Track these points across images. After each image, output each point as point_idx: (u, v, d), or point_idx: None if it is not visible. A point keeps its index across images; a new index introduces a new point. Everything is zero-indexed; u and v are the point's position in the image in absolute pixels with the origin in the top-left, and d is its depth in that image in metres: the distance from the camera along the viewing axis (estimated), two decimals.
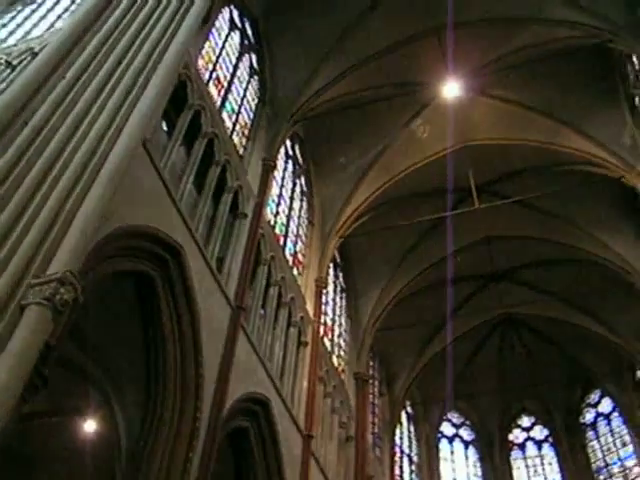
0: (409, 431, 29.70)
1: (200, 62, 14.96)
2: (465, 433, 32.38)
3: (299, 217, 21.17)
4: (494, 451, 31.57)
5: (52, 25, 14.51)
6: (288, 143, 21.11)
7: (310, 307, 19.65)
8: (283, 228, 19.39)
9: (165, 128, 12.90)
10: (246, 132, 17.69)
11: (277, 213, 19.08)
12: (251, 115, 18.30)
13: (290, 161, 21.37)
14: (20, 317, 6.91)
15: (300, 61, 19.59)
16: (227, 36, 17.38)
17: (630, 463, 28.62)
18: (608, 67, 20.29)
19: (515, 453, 32.04)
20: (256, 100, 18.95)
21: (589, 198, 22.64)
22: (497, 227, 24.41)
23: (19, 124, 8.14)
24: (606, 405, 30.63)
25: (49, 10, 15.64)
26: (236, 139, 16.59)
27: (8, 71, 11.61)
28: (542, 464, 31.49)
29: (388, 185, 22.65)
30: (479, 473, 31.19)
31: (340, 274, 24.93)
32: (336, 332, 22.99)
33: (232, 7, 17.95)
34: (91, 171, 8.29)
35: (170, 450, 10.69)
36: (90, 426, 14.28)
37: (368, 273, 25.06)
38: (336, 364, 21.77)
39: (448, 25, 18.97)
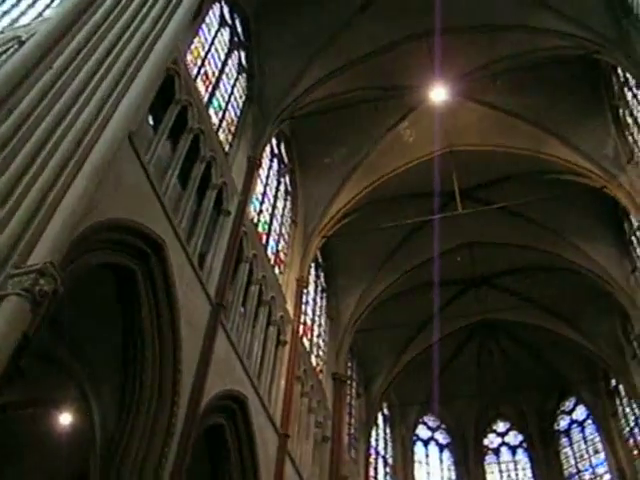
0: (385, 433, 29.77)
1: (189, 57, 14.90)
2: (441, 436, 32.52)
3: (282, 216, 21.16)
4: (469, 455, 31.75)
5: (40, 14, 14.37)
6: (274, 141, 21.13)
7: (290, 306, 19.66)
8: (266, 226, 19.37)
9: (151, 122, 12.84)
10: (232, 129, 17.66)
11: (261, 211, 19.06)
12: (238, 112, 18.28)
13: (275, 159, 21.36)
14: None
15: (289, 60, 19.59)
16: (217, 32, 17.32)
17: (601, 470, 28.92)
18: (594, 78, 20.50)
19: (489, 458, 32.25)
20: (243, 97, 18.92)
21: (571, 207, 22.84)
22: (480, 232, 24.57)
23: (4, 112, 8.07)
24: (580, 412, 30.92)
25: None
26: (222, 136, 16.56)
27: None
28: (516, 469, 31.72)
29: (372, 187, 22.71)
30: (453, 477, 31.35)
31: (321, 274, 24.96)
32: (315, 332, 23.01)
33: (223, 3, 17.90)
34: (75, 162, 8.23)
35: (145, 445, 10.64)
36: (65, 419, 14.16)
37: (349, 274, 25.11)
38: (314, 364, 21.79)
39: (436, 30, 19.05)
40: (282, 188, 21.57)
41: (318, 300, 23.99)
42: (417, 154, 22.67)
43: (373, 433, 27.79)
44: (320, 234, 22.42)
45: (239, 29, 19.01)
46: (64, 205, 7.85)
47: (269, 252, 18.95)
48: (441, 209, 23.15)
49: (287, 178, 22.19)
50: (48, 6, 14.84)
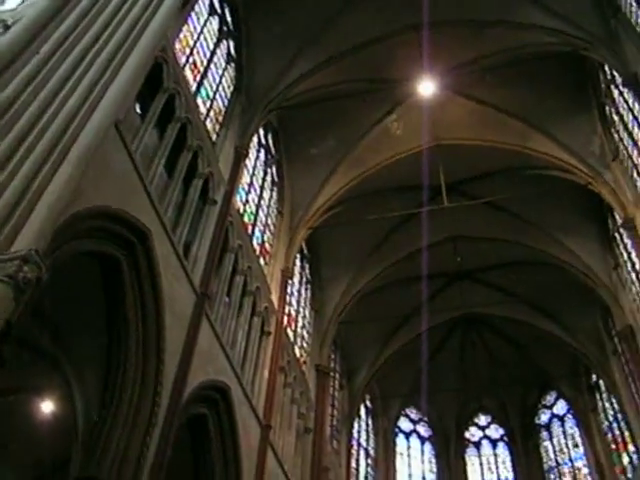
0: (367, 425, 29.90)
1: (177, 45, 14.81)
2: (422, 429, 32.70)
3: (268, 207, 21.13)
4: (450, 448, 31.98)
5: None
6: (261, 132, 21.07)
7: (275, 297, 19.66)
8: (252, 217, 19.33)
9: (139, 110, 12.77)
10: (220, 119, 17.59)
11: (247, 202, 19.02)
12: (226, 102, 18.19)
13: (262, 150, 21.31)
14: None
15: (278, 51, 19.52)
16: (206, 21, 17.21)
17: (580, 464, 29.30)
18: (582, 75, 20.59)
19: (470, 451, 32.51)
20: (231, 87, 18.83)
21: (556, 203, 22.95)
22: (465, 227, 24.64)
23: None
24: (561, 407, 31.23)
25: None
26: (209, 125, 16.48)
27: None
28: (496, 462, 31.99)
29: (359, 179, 22.72)
30: (434, 469, 31.55)
31: (306, 265, 24.97)
32: (299, 323, 23.03)
33: None
34: (61, 149, 8.15)
35: (127, 434, 10.60)
36: (47, 406, 14.13)
37: (334, 266, 25.14)
38: (298, 355, 21.81)
39: (425, 23, 19.04)
40: (269, 179, 21.52)
41: (303, 291, 24.01)
42: (404, 147, 22.68)
43: (355, 425, 27.89)
44: (306, 225, 22.42)
45: (228, 18, 18.91)
46: (49, 192, 7.78)
47: (254, 243, 18.92)
48: (427, 203, 23.18)
49: (274, 169, 22.15)
50: None
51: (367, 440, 29.43)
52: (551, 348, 28.37)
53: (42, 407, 14.29)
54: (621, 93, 19.10)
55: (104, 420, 10.65)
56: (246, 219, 18.58)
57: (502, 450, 32.21)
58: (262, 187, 20.67)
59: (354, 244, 24.79)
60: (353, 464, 26.74)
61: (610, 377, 25.64)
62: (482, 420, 33.24)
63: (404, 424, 32.31)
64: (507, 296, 27.27)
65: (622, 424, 25.80)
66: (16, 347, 10.31)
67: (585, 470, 28.87)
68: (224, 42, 18.56)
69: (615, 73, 18.67)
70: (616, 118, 20.00)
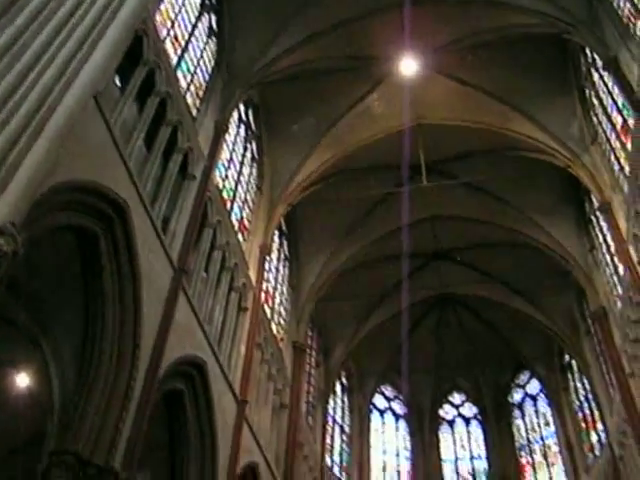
0: (342, 402, 30.13)
1: (158, 18, 14.61)
2: (397, 406, 33.00)
3: (248, 183, 21.05)
4: (424, 425, 32.31)
5: None
6: (242, 108, 20.95)
7: (253, 273, 19.67)
8: (231, 193, 19.26)
9: (118, 83, 12.62)
10: (200, 93, 17.42)
11: (226, 177, 18.93)
12: (206, 77, 18.01)
13: (243, 126, 21.18)
14: None
15: (260, 26, 19.29)
16: None
17: (550, 442, 29.82)
18: (563, 58, 20.64)
19: (444, 428, 32.88)
20: (212, 62, 18.63)
21: (535, 184, 23.12)
22: (444, 206, 24.72)
23: None
24: (534, 386, 31.67)
25: None
26: (190, 100, 16.32)
27: None
28: (469, 440, 32.41)
29: (339, 157, 22.69)
30: (408, 446, 31.90)
31: (285, 242, 24.98)
32: (277, 300, 23.08)
33: None
34: (38, 122, 8.03)
35: (103, 408, 10.61)
36: (22, 380, 14.04)
37: (313, 243, 25.19)
38: (275, 332, 21.88)
39: (408, 1, 18.88)
40: (248, 155, 21.43)
41: (281, 268, 24.03)
42: (384, 126, 22.66)
43: (331, 401, 28.12)
44: (285, 202, 22.40)
45: None
46: (26, 165, 7.67)
47: (233, 218, 18.87)
48: (407, 182, 23.21)
49: (254, 145, 22.04)
50: None
51: (342, 417, 29.67)
52: (526, 328, 28.68)
53: (17, 381, 14.20)
54: (601, 77, 19.16)
55: (80, 394, 10.64)
56: (225, 195, 18.50)
57: (475, 428, 32.63)
58: (242, 163, 20.58)
59: (333, 222, 24.83)
60: (328, 440, 26.97)
61: (582, 357, 26.00)
62: (456, 398, 33.58)
63: (379, 401, 32.59)
64: (483, 276, 27.49)
65: (592, 403, 26.22)
66: None
67: (555, 448, 29.43)
68: (206, 16, 18.35)
69: (596, 56, 18.72)
70: (596, 101, 20.09)
